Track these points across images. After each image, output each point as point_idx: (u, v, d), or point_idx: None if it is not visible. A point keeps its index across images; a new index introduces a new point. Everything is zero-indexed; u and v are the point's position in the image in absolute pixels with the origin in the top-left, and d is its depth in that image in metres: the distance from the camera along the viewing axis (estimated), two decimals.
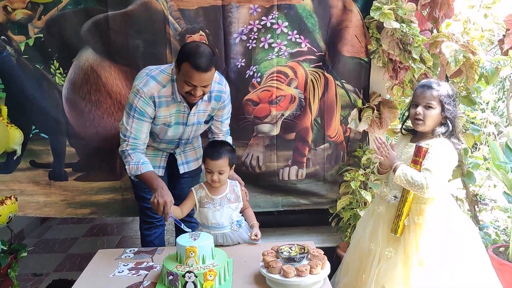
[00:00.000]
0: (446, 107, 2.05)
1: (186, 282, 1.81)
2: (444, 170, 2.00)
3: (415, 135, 2.19)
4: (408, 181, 1.98)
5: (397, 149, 2.22)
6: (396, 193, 2.14)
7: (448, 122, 2.07)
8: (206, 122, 2.50)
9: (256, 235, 2.32)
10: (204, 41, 2.85)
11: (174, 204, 2.17)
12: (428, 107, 2.06)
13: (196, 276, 1.81)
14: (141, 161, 2.25)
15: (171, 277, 1.84)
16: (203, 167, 2.37)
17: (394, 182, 2.09)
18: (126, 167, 2.27)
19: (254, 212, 2.47)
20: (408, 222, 2.08)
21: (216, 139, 2.56)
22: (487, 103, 4.15)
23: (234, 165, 2.36)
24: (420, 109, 2.07)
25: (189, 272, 1.81)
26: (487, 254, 2.17)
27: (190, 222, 2.45)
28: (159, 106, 2.28)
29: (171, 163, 2.62)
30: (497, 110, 4.84)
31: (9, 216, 2.65)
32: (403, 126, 2.27)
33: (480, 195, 3.68)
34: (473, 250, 2.09)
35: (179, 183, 2.65)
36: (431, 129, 2.09)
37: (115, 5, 2.79)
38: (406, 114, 2.26)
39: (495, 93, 4.73)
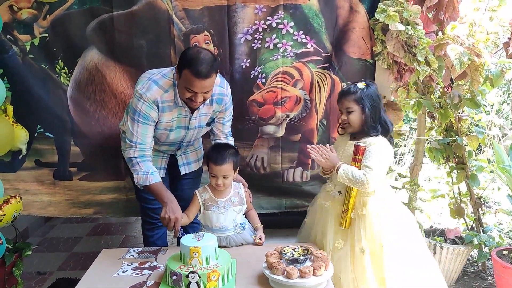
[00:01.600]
0: (364, 106, 2.22)
1: (190, 282, 1.82)
2: (381, 166, 2.18)
3: (353, 134, 2.32)
4: (349, 179, 2.15)
5: (338, 149, 2.38)
6: (340, 189, 2.31)
7: (371, 118, 2.21)
8: (208, 124, 2.50)
9: (260, 238, 2.32)
10: (209, 41, 2.84)
11: None
12: (348, 112, 2.25)
13: (200, 277, 1.82)
14: (150, 171, 2.25)
15: (174, 277, 1.85)
16: (204, 168, 2.36)
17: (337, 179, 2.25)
18: (134, 176, 2.26)
19: (257, 213, 2.47)
20: (354, 215, 2.24)
21: (218, 141, 2.55)
22: (492, 105, 4.15)
23: (238, 167, 2.36)
24: (344, 116, 2.29)
25: (192, 272, 1.82)
26: (423, 239, 2.39)
27: (192, 223, 2.45)
28: (162, 111, 2.27)
29: (172, 164, 2.61)
30: (501, 113, 4.83)
31: (14, 215, 2.65)
32: (339, 128, 2.43)
33: (484, 198, 3.67)
34: (411, 236, 2.27)
35: (180, 184, 2.66)
36: (360, 127, 2.26)
37: (120, 5, 2.79)
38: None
39: (500, 96, 4.72)
